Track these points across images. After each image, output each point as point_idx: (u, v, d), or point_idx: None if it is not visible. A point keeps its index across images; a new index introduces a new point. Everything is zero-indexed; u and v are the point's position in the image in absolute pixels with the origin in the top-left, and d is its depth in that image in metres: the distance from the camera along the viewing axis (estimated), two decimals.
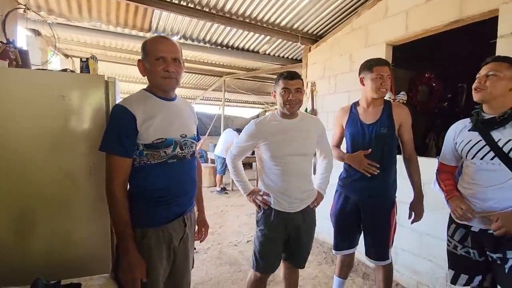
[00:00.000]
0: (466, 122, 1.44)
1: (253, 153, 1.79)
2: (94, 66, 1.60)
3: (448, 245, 1.49)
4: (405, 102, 2.70)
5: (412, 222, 1.73)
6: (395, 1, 2.55)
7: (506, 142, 1.24)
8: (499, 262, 1.26)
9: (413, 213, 1.73)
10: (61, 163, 1.35)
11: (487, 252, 1.31)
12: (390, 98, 2.50)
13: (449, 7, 2.13)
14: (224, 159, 4.97)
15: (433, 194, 2.11)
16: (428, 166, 2.09)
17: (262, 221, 1.62)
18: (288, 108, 1.55)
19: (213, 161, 6.50)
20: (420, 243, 2.32)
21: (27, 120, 1.28)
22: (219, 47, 3.79)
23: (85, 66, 1.56)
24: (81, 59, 1.57)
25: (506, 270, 1.23)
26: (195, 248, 1.42)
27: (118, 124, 1.09)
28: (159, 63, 1.12)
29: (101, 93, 1.39)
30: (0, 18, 1.84)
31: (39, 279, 0.99)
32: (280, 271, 1.78)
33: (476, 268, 1.38)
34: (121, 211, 1.08)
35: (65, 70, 1.46)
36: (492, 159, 1.28)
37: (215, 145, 6.39)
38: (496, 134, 1.28)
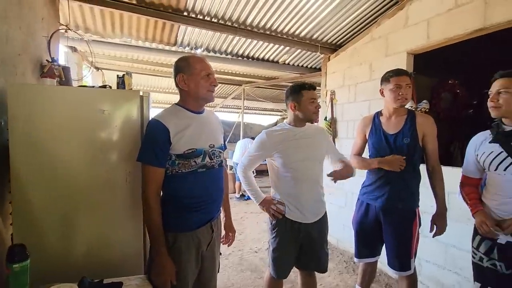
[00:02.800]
0: (486, 134, 1.45)
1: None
2: (129, 81, 1.74)
3: (473, 257, 1.48)
4: (427, 110, 2.68)
5: (433, 236, 1.71)
6: (416, 11, 2.56)
7: None
8: None
9: (435, 226, 1.71)
10: (101, 171, 1.47)
11: None
12: (411, 107, 2.49)
13: (472, 16, 2.12)
14: None
15: (459, 204, 2.07)
16: (453, 175, 2.06)
17: (275, 230, 1.67)
18: (316, 116, 1.64)
19: (232, 168, 6.61)
20: (445, 255, 2.27)
21: (72, 132, 1.41)
22: (240, 58, 3.92)
23: (121, 82, 1.70)
24: (117, 75, 1.71)
25: None
26: (220, 253, 1.49)
27: (153, 137, 1.20)
28: (208, 79, 1.25)
29: (136, 107, 1.51)
30: (46, 38, 2.03)
31: (85, 278, 1.09)
32: (298, 279, 1.82)
33: (503, 281, 1.35)
34: (155, 217, 1.18)
35: (104, 86, 1.60)
36: None
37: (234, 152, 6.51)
38: None
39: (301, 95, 1.62)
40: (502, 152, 1.34)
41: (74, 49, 3.36)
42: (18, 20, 1.59)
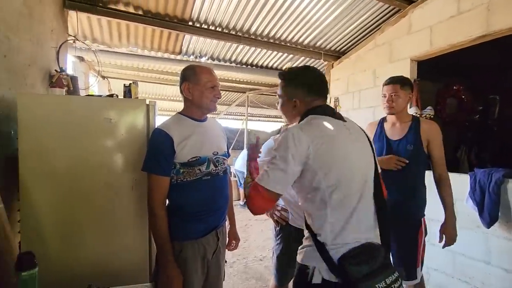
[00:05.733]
0: None
1: None
2: (135, 90, 1.77)
3: None
4: (432, 117, 2.67)
5: (443, 246, 1.67)
6: (419, 18, 2.57)
7: None
8: None
9: (444, 236, 1.67)
10: (107, 179, 1.48)
11: None
12: (416, 113, 2.49)
13: (475, 23, 2.13)
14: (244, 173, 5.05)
15: (466, 211, 2.05)
16: (460, 182, 2.04)
17: (279, 236, 1.66)
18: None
19: (235, 175, 6.61)
20: (454, 263, 2.23)
21: (80, 141, 1.43)
22: (244, 66, 3.95)
23: (128, 91, 1.73)
24: (124, 84, 1.74)
25: None
26: (226, 261, 1.48)
27: (157, 146, 1.21)
28: (212, 91, 1.28)
29: (143, 115, 1.53)
30: (55, 49, 2.08)
31: (92, 285, 1.10)
32: None
33: None
34: (161, 226, 1.18)
35: (111, 95, 1.63)
36: None
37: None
38: None
39: None
40: None
41: (81, 59, 3.42)
42: (29, 32, 1.64)
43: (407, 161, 1.64)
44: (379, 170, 1.10)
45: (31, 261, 0.86)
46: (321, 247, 0.94)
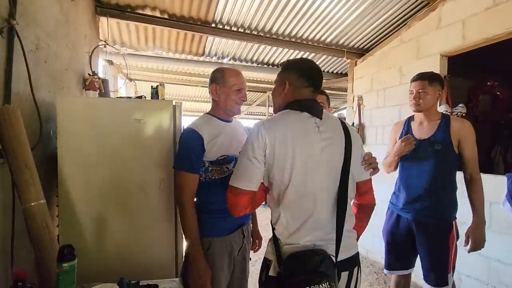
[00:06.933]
0: None
1: None
2: (162, 92, 1.83)
3: None
4: (464, 115, 2.54)
5: (469, 251, 1.58)
6: (449, 11, 2.45)
7: None
8: None
9: (469, 240, 1.58)
10: (136, 177, 1.55)
11: None
12: (446, 111, 2.38)
13: None
14: None
15: (503, 215, 1.94)
16: (495, 183, 1.93)
17: None
18: None
19: None
20: (489, 270, 2.11)
21: (111, 140, 1.51)
22: (265, 65, 3.96)
23: (155, 92, 1.80)
24: (152, 86, 1.81)
25: None
26: (250, 258, 1.50)
27: (189, 145, 1.25)
28: (238, 93, 1.31)
29: (169, 116, 1.58)
30: (88, 54, 2.20)
31: (123, 279, 1.15)
32: None
33: None
34: (191, 222, 1.21)
35: (140, 97, 1.70)
36: None
37: None
38: None
39: None
40: None
41: (111, 62, 3.59)
42: (66, 39, 1.75)
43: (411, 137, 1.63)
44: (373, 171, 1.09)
45: (72, 253, 0.92)
46: (276, 242, 1.00)
